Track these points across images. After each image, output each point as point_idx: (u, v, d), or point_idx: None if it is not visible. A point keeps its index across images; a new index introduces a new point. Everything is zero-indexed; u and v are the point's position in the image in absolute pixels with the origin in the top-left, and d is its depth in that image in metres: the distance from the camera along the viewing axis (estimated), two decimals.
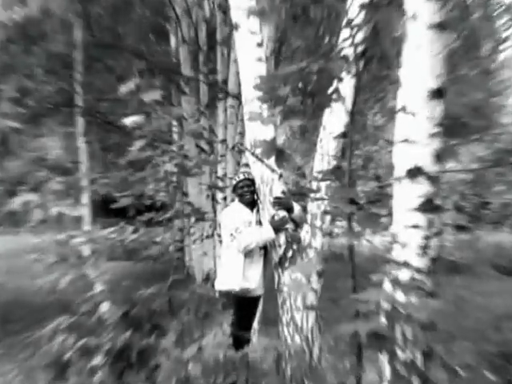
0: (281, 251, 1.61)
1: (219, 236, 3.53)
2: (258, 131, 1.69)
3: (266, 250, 1.79)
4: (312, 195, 1.67)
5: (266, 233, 1.61)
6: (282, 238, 1.62)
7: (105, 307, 1.52)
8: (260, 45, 1.71)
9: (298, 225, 1.69)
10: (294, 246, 1.60)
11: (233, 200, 2.10)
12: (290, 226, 1.64)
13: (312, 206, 1.65)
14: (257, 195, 1.79)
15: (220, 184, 3.74)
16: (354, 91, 1.36)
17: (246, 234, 1.69)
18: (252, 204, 1.84)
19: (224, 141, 3.81)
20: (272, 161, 1.66)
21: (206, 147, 4.20)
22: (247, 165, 2.03)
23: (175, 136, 4.98)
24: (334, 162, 1.60)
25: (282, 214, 1.63)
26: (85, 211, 3.45)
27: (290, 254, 1.59)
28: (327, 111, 1.62)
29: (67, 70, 3.76)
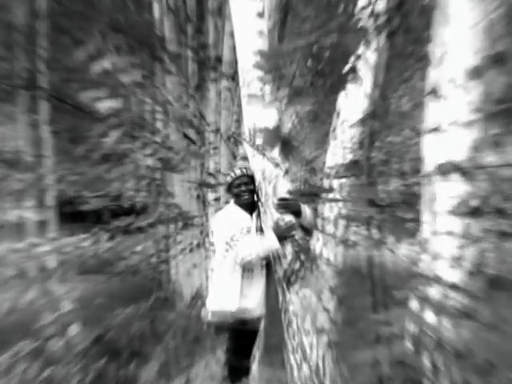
0: (286, 263, 1.61)
1: (211, 245, 3.53)
2: (259, 118, 1.69)
3: (268, 263, 1.79)
4: (324, 195, 1.67)
5: (269, 242, 1.61)
6: (288, 248, 1.62)
7: (74, 330, 1.51)
8: (261, 14, 1.71)
9: (307, 232, 1.69)
10: (303, 257, 1.60)
11: (227, 202, 2.09)
12: (297, 233, 1.64)
13: (324, 209, 1.65)
14: (257, 196, 1.79)
15: (212, 182, 3.73)
16: (375, 70, 1.35)
17: (243, 243, 1.69)
18: (251, 207, 1.84)
19: (217, 130, 3.80)
20: (276, 153, 1.66)
21: (195, 137, 4.18)
22: (245, 158, 2.02)
23: (159, 125, 4.97)
24: (350, 156, 1.60)
25: (289, 218, 1.63)
26: (50, 215, 3.44)
27: (297, 266, 1.59)
28: (342, 94, 1.62)
29: (29, 44, 3.74)
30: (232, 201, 1.91)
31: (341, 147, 1.62)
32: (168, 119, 3.56)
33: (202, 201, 4.02)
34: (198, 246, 3.96)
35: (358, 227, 1.63)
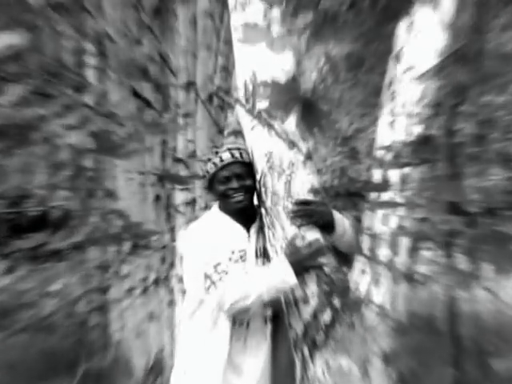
0: (309, 314, 1.62)
1: (181, 281, 3.54)
2: (262, 64, 1.70)
3: (276, 312, 1.80)
4: (374, 196, 1.67)
5: (279, 276, 1.61)
6: (312, 288, 1.63)
7: None
8: None
9: (344, 259, 1.70)
10: (337, 303, 1.61)
11: (207, 206, 2.09)
12: (328, 261, 1.65)
13: (375, 220, 1.65)
14: (258, 197, 1.80)
15: (182, 173, 3.74)
16: None
17: (235, 278, 1.69)
18: (248, 215, 1.85)
19: (190, 84, 3.81)
20: (291, 125, 1.67)
21: (152, 97, 4.18)
22: (238, 133, 2.03)
23: (90, 75, 4.95)
24: (418, 129, 1.60)
25: (313, 236, 1.64)
26: None
27: (327, 318, 1.60)
28: (404, 24, 1.63)
29: None
30: (216, 205, 1.92)
31: (403, 114, 1.62)
32: (106, 66, 3.53)
33: (165, 205, 4.03)
34: (157, 283, 3.97)
35: (433, 251, 1.64)
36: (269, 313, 1.80)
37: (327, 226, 1.66)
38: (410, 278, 1.67)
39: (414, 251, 1.68)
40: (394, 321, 1.65)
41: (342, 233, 1.69)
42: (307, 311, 1.61)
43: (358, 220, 1.72)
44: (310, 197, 1.67)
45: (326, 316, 1.59)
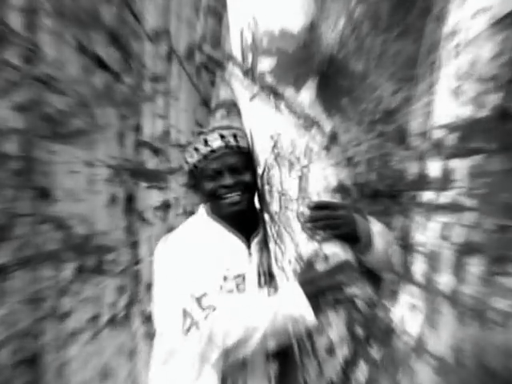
0: (335, 367, 1.63)
1: (148, 321, 3.56)
2: (265, 5, 1.72)
3: (284, 358, 1.83)
4: (428, 197, 1.69)
5: (290, 313, 1.63)
6: (339, 329, 1.65)
7: None
8: None
9: (380, 284, 1.71)
10: (374, 353, 1.63)
11: (187, 212, 2.10)
12: (360, 290, 1.67)
13: (428, 231, 1.67)
14: (260, 197, 1.83)
15: (150, 164, 3.77)
16: None
17: (227, 315, 1.70)
18: (248, 222, 1.88)
19: (163, 34, 3.83)
20: (308, 93, 1.68)
21: (112, 58, 4.21)
22: (231, 106, 2.05)
23: (13, 20, 5.00)
24: (494, 99, 1.61)
25: (338, 254, 1.67)
26: None
27: (361, 376, 1.61)
28: None
29: None
30: (203, 209, 1.96)
31: (471, 77, 1.63)
32: (37, 6, 3.55)
33: (125, 211, 4.05)
34: (114, 324, 3.99)
35: (495, 273, 1.65)
36: (275, 367, 1.81)
37: (360, 241, 1.68)
38: (482, 316, 1.68)
39: (489, 277, 1.70)
40: (460, 379, 1.66)
41: (381, 251, 1.70)
42: (333, 366, 1.63)
43: (404, 233, 1.72)
44: (336, 198, 1.68)
45: (360, 374, 1.60)
